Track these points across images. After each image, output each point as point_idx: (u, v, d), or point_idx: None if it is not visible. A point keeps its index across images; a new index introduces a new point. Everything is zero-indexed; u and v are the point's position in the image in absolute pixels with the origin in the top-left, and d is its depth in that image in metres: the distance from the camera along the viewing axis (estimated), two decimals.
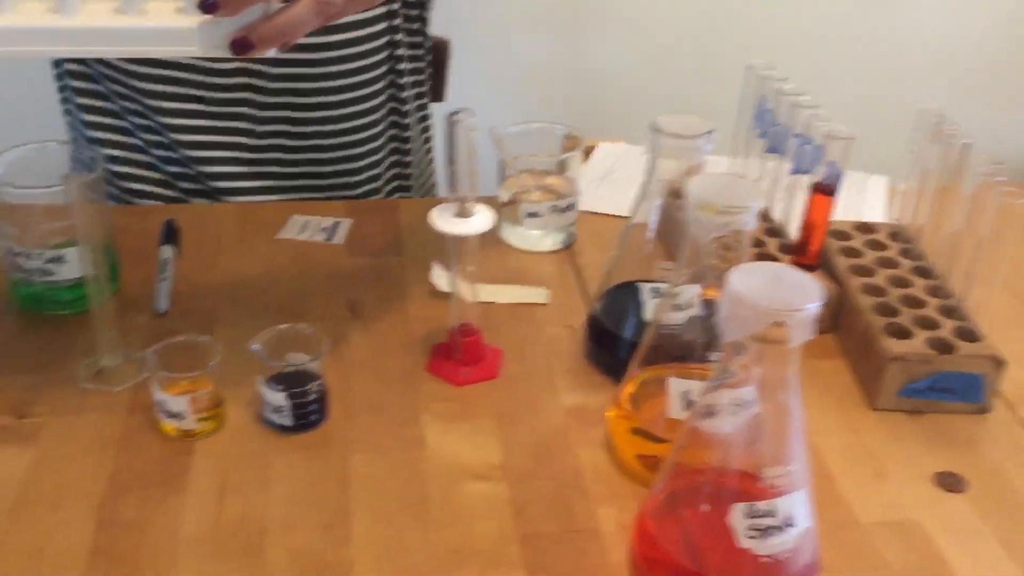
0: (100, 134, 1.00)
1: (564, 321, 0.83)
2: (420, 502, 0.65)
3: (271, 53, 0.61)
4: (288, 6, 0.60)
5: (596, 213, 0.98)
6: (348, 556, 0.61)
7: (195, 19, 0.59)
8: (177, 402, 0.67)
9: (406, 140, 1.08)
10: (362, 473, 0.67)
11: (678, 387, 0.65)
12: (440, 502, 0.65)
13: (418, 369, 0.77)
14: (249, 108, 0.98)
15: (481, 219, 0.71)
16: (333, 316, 0.82)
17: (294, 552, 0.61)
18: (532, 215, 0.90)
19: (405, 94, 1.05)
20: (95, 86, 0.99)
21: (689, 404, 0.65)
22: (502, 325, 0.81)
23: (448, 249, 0.73)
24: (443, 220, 0.70)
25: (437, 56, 1.28)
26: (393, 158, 1.09)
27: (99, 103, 1.00)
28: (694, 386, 0.65)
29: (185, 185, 1.02)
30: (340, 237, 0.93)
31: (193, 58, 0.94)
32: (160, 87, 0.96)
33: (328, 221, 0.95)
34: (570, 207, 0.91)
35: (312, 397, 0.69)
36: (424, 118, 1.14)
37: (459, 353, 0.76)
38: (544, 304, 0.85)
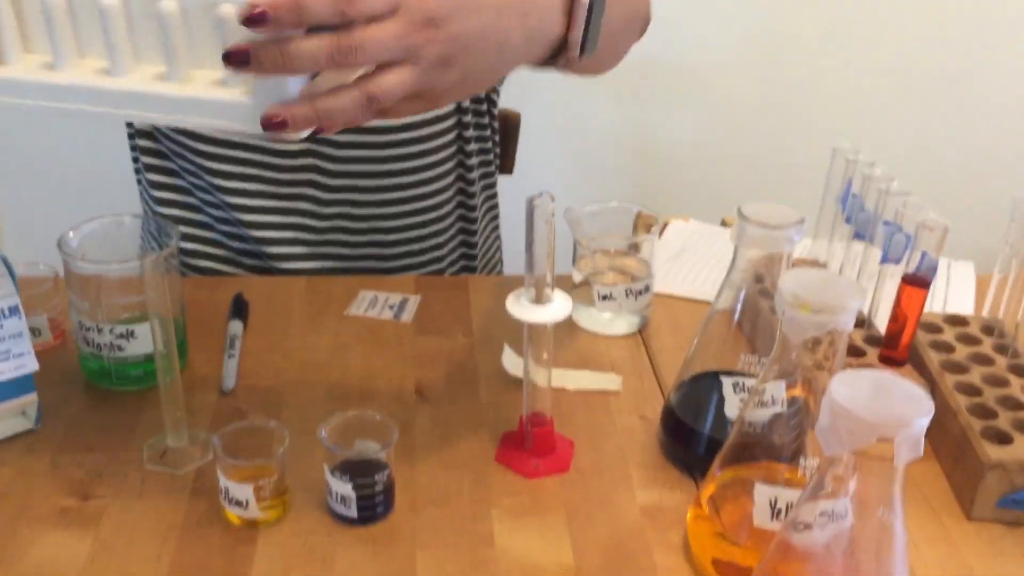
0: (168, 210, 1.01)
1: (638, 411, 0.80)
2: None
3: (303, 135, 0.57)
4: (334, 91, 0.56)
5: (670, 296, 0.96)
6: None
7: (233, 92, 0.57)
8: (241, 490, 0.65)
9: (472, 214, 1.07)
10: (428, 570, 0.64)
11: (764, 494, 0.61)
12: None
13: (487, 458, 0.74)
14: (313, 189, 0.98)
15: (559, 306, 0.68)
16: (401, 399, 0.80)
17: None
18: (605, 298, 0.88)
19: (472, 173, 1.04)
20: (164, 162, 1.00)
21: (776, 512, 0.61)
22: (574, 413, 0.79)
23: (524, 335, 0.70)
24: (520, 307, 0.68)
25: (506, 128, 1.27)
26: (459, 237, 1.07)
27: (168, 179, 1.00)
28: (781, 493, 0.61)
29: (249, 262, 1.01)
30: (408, 315, 0.91)
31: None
32: (225, 166, 0.96)
33: (396, 298, 0.94)
34: (645, 290, 0.89)
35: (379, 488, 0.67)
36: (491, 192, 1.13)
37: (530, 443, 0.73)
38: (617, 392, 0.82)
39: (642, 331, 0.90)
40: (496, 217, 1.15)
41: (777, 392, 0.62)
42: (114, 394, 0.79)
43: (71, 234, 0.78)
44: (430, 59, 0.58)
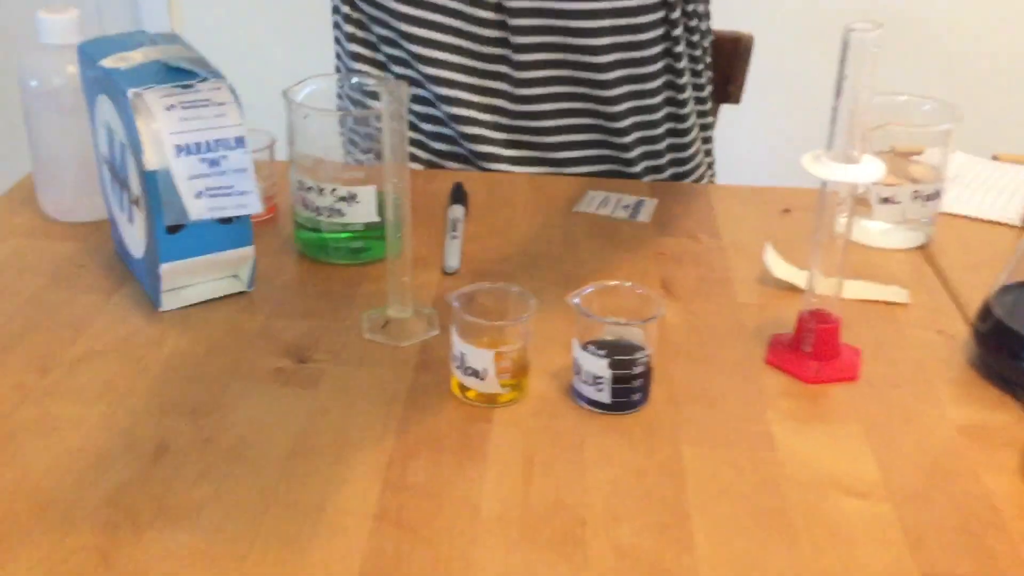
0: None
1: (935, 325, 0.66)
2: (778, 513, 0.50)
3: None
4: None
5: (953, 215, 0.81)
6: (692, 566, 0.47)
7: None
8: (480, 357, 0.56)
9: (682, 125, 0.94)
10: (698, 469, 0.53)
11: None
12: (806, 517, 0.50)
13: (754, 359, 0.62)
14: (508, 67, 0.88)
15: (869, 167, 0.56)
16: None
17: (623, 550, 0.47)
18: (887, 200, 0.74)
19: (683, 79, 0.91)
20: (364, 33, 0.93)
21: None
22: (855, 323, 0.66)
23: (819, 207, 0.58)
24: (821, 166, 0.56)
25: (736, 51, 1.15)
26: (669, 155, 0.95)
27: (366, 51, 0.94)
28: None
29: (439, 146, 0.93)
30: (645, 216, 0.81)
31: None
32: (423, 31, 0.87)
33: (630, 199, 0.83)
34: (935, 195, 0.75)
35: (638, 371, 0.56)
36: (703, 114, 0.98)
37: (810, 345, 0.61)
38: (904, 304, 0.69)
39: (924, 247, 0.76)
40: (709, 140, 1.01)
41: None
42: (329, 267, 0.72)
43: (296, 87, 0.71)
44: None
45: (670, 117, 0.94)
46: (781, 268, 0.71)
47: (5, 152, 1.37)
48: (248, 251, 0.66)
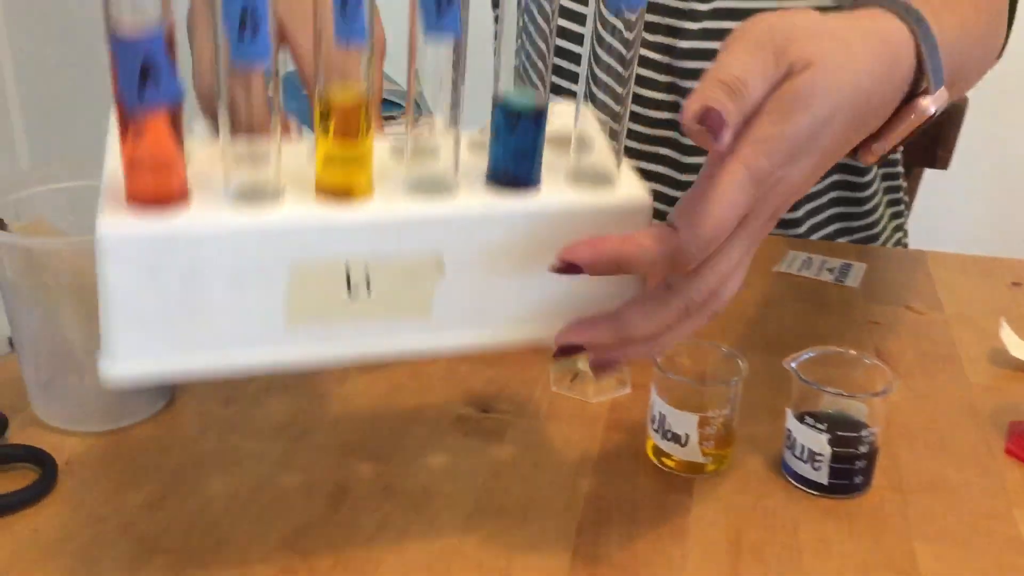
0: None
1: None
2: None
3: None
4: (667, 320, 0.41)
5: None
6: None
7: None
8: (683, 420, 0.51)
9: (862, 206, 0.86)
10: (936, 570, 0.46)
11: None
12: None
13: (992, 449, 0.55)
14: (671, 150, 0.83)
15: None
16: None
17: None
18: None
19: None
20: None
21: None
22: None
23: None
24: None
25: (946, 116, 1.07)
26: (832, 209, 0.87)
27: None
28: None
29: None
30: (853, 280, 0.74)
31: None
32: None
33: (835, 261, 0.77)
34: None
35: (862, 450, 0.50)
36: (893, 184, 0.90)
37: None
38: None
39: None
40: (899, 203, 0.92)
41: None
42: None
43: None
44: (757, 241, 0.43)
45: (841, 184, 0.86)
46: (1020, 347, 0.63)
47: None
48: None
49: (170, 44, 0.36)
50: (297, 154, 0.42)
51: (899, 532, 0.48)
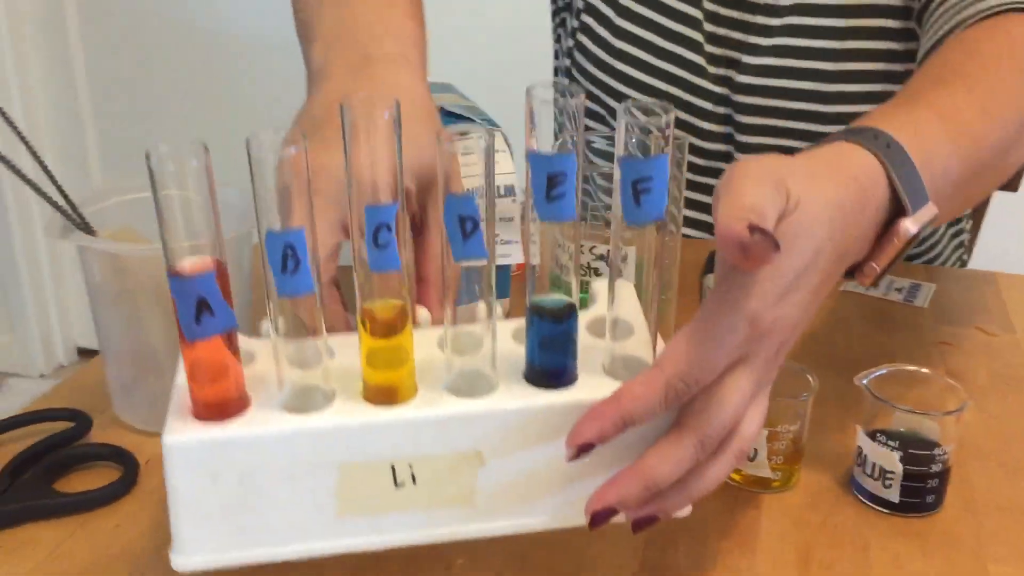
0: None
1: None
2: None
3: None
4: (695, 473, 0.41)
5: None
6: None
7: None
8: None
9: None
10: None
11: None
12: None
13: None
14: (732, 147, 0.83)
15: None
16: None
17: None
18: None
19: None
20: (594, 105, 0.91)
21: None
22: None
23: None
24: None
25: None
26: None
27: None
28: None
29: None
30: (922, 300, 0.73)
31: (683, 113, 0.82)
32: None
33: (903, 281, 0.76)
34: None
35: (935, 469, 0.49)
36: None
37: None
38: None
39: None
40: (959, 222, 0.91)
41: None
42: None
43: None
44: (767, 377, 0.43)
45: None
46: None
47: None
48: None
49: (223, 278, 0.38)
50: (352, 344, 0.43)
51: (972, 552, 0.48)
